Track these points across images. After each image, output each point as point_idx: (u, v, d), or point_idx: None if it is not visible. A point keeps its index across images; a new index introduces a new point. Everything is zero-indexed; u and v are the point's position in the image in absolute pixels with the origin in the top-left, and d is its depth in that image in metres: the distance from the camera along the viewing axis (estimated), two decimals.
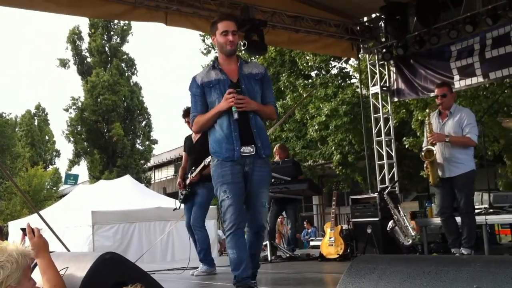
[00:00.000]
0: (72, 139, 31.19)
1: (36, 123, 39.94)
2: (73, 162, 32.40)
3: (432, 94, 8.98)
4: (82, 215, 10.43)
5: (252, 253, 3.79)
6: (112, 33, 32.22)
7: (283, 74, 18.48)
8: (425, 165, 5.78)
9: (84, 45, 32.37)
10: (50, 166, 37.81)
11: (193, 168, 5.96)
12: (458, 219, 5.68)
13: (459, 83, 8.52)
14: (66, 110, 31.24)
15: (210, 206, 6.71)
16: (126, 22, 30.35)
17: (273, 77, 19.11)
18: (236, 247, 3.66)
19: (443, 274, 1.54)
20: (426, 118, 5.83)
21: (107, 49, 31.82)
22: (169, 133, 78.66)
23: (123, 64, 31.89)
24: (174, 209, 6.48)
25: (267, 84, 3.88)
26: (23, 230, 2.63)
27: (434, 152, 5.58)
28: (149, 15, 7.76)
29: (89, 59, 32.27)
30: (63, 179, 32.79)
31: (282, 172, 7.31)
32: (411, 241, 6.35)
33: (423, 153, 5.71)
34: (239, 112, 3.64)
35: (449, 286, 1.50)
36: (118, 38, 32.34)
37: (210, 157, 5.80)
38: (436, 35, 8.53)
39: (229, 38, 3.73)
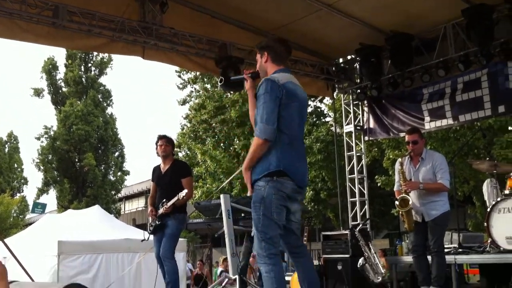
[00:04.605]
0: (42, 167, 30.67)
1: (6, 151, 39.21)
2: (41, 191, 31.78)
3: (402, 134, 9.16)
4: (47, 244, 10.19)
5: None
6: (89, 64, 32.22)
7: None
8: (400, 213, 5.83)
9: (59, 75, 32.28)
10: (18, 194, 36.97)
11: (164, 200, 5.93)
12: (429, 257, 5.74)
13: (429, 125, 8.71)
14: (38, 138, 30.88)
15: (180, 239, 6.65)
16: (106, 55, 30.53)
17: (248, 113, 19.14)
18: None
19: None
20: (399, 167, 5.89)
21: (84, 80, 31.74)
22: (141, 164, 78.05)
23: (99, 95, 31.80)
24: (143, 240, 6.41)
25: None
26: None
27: (410, 202, 5.64)
28: (126, 49, 7.83)
29: (64, 89, 32.08)
30: (30, 208, 32.06)
31: None
32: (381, 278, 6.36)
33: (398, 203, 5.76)
34: None
35: None
36: (96, 70, 32.34)
37: (185, 191, 5.84)
38: (409, 78, 8.77)
39: None
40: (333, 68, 9.83)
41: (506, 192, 6.08)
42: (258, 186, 3.58)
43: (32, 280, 6.93)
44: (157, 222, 6.01)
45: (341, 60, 10.01)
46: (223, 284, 7.40)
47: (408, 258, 6.54)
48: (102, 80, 32.66)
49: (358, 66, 9.69)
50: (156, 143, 6.30)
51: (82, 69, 32.10)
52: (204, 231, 8.78)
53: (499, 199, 6.00)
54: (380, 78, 9.09)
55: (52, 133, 30.64)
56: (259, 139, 3.55)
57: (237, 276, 7.03)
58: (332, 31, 8.66)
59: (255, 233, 3.59)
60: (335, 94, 10.56)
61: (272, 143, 3.58)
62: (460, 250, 6.60)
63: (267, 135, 3.54)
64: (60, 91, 32.10)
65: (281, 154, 3.59)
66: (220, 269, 13.57)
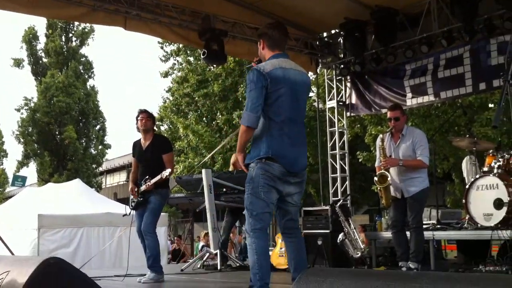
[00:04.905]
0: (22, 140, 30.26)
1: None
2: (21, 164, 31.38)
3: (384, 111, 9.18)
4: (28, 217, 10.14)
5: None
6: (71, 35, 31.60)
7: (241, 85, 18.54)
8: (378, 189, 5.87)
9: (40, 45, 31.61)
10: None
11: (148, 177, 5.89)
12: (408, 233, 5.80)
13: (411, 101, 8.73)
14: (18, 110, 30.36)
15: (162, 213, 6.63)
16: (88, 25, 29.93)
17: (231, 87, 19.16)
18: None
19: None
20: (380, 143, 5.91)
21: (65, 50, 31.15)
22: (122, 138, 77.55)
23: (80, 67, 31.27)
24: (124, 215, 6.38)
25: None
26: None
27: (388, 178, 5.68)
28: (108, 18, 7.67)
29: (44, 60, 31.50)
30: (10, 181, 31.72)
31: (237, 181, 7.29)
32: (360, 253, 6.42)
33: (376, 179, 5.80)
34: None
35: None
36: (78, 40, 31.75)
37: (168, 170, 5.81)
38: (392, 54, 8.73)
39: None
40: (317, 43, 9.75)
41: (485, 169, 6.14)
42: (250, 168, 3.90)
43: (12, 254, 6.88)
44: (139, 198, 5.98)
45: (325, 34, 9.92)
46: (204, 259, 7.43)
47: (387, 234, 6.61)
48: (84, 51, 32.13)
49: (342, 41, 9.63)
50: (137, 118, 6.22)
51: (63, 40, 31.47)
52: (185, 205, 8.80)
53: (477, 176, 6.06)
54: (364, 54, 9.04)
55: (32, 104, 30.12)
56: (243, 126, 3.84)
57: (218, 251, 7.09)
58: (316, 5, 8.55)
59: (245, 210, 3.91)
60: (318, 69, 10.49)
61: (264, 130, 3.85)
62: (438, 226, 6.69)
63: (250, 122, 3.79)
64: (40, 61, 31.47)
65: (272, 141, 3.85)
66: (201, 243, 13.64)
